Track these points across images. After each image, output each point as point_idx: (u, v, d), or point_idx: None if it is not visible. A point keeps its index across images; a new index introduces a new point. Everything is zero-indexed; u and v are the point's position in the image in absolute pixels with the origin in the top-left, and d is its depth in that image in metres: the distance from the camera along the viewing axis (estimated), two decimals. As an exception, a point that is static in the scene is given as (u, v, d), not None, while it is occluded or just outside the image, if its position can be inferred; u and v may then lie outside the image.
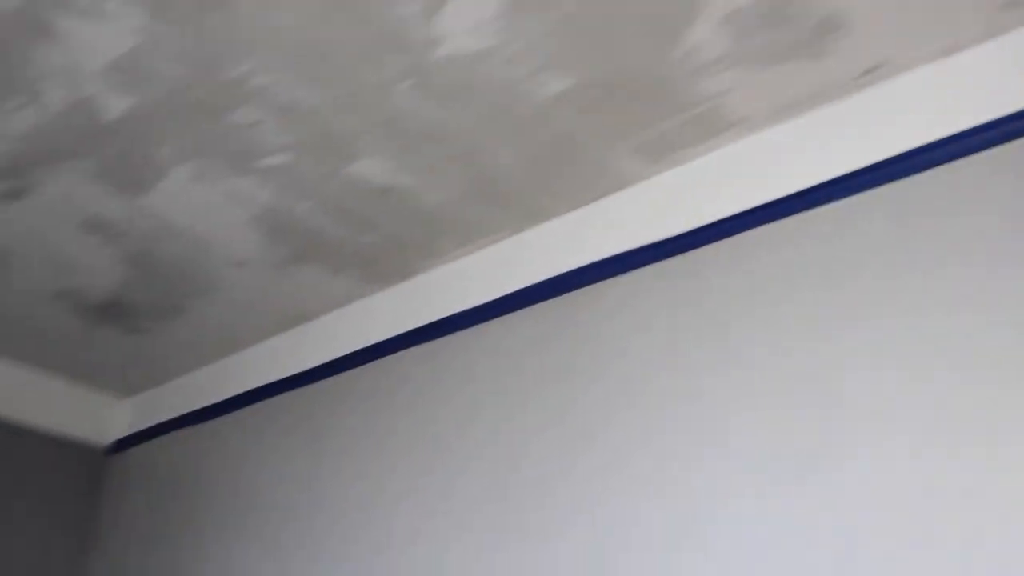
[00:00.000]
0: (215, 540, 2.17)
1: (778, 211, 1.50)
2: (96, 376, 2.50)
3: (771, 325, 1.45)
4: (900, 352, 1.31)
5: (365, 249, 1.89)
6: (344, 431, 2.00)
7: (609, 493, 1.51)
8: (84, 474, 2.52)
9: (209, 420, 2.35)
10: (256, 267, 1.97)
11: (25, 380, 2.46)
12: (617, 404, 1.57)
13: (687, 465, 1.44)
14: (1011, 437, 1.19)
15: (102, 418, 2.58)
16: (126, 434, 2.54)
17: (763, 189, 1.54)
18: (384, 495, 1.85)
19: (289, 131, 1.60)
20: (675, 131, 1.57)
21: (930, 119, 1.40)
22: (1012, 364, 1.22)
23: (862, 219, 1.43)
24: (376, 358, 2.01)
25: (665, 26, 1.38)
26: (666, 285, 1.60)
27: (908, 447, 1.26)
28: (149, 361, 2.40)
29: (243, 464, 2.20)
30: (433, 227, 1.82)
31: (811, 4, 1.34)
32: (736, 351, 1.47)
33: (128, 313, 2.18)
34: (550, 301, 1.75)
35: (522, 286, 1.78)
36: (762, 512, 1.35)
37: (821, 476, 1.32)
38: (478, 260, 1.88)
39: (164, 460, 2.44)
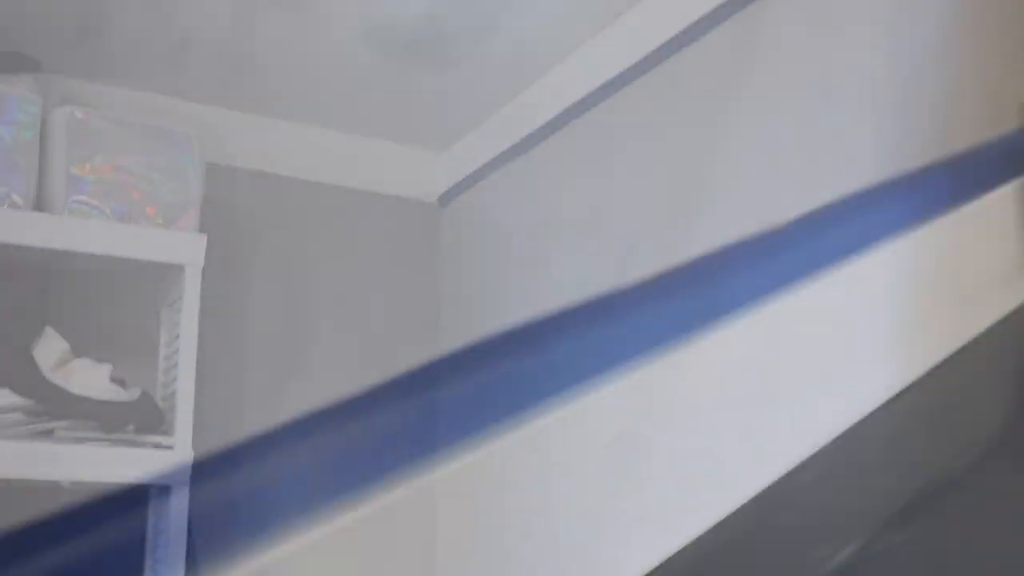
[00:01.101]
0: (555, 265, 2.11)
1: None
2: (416, 131, 2.44)
3: None
4: None
5: None
6: (687, 108, 1.83)
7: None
8: (420, 229, 2.54)
9: (531, 150, 2.25)
10: (573, -47, 1.77)
11: (349, 146, 2.45)
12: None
13: None
14: None
15: (428, 172, 2.55)
16: (453, 184, 2.52)
17: None
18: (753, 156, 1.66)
19: None
20: None
21: None
22: None
23: None
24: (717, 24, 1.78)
25: None
26: None
27: None
28: (463, 101, 2.28)
29: (579, 180, 2.10)
30: None
31: None
32: None
33: (438, 42, 2.07)
34: None
35: None
36: None
37: None
38: None
39: (492, 201, 2.39)
